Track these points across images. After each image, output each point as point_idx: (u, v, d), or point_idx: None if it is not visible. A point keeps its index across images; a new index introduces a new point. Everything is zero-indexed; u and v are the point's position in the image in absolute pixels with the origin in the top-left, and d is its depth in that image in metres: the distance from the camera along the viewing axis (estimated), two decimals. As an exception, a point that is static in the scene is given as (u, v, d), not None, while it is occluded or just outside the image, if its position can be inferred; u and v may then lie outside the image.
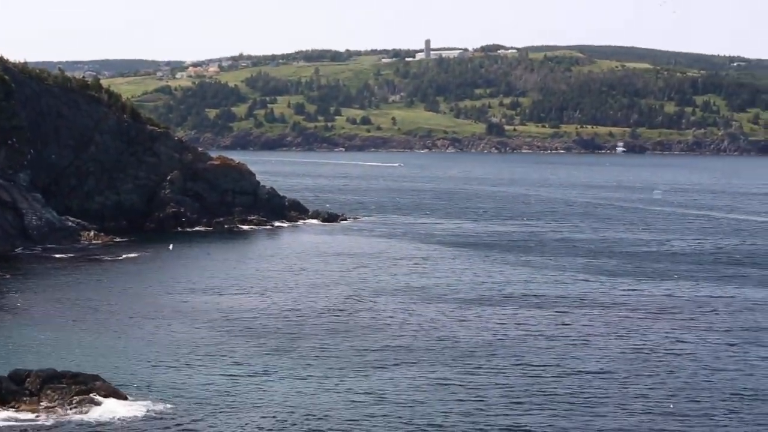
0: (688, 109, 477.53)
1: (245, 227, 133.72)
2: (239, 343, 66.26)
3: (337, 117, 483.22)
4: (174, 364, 60.49)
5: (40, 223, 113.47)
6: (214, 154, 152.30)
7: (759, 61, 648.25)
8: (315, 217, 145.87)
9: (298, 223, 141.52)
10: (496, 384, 56.89)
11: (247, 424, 49.63)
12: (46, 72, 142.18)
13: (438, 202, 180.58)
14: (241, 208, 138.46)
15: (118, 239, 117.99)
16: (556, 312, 77.63)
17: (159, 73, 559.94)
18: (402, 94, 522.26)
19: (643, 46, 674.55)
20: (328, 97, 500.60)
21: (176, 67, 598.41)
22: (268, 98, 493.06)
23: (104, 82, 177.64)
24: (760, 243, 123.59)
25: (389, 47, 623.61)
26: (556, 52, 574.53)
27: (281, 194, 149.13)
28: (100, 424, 49.45)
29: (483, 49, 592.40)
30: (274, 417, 50.62)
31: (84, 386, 52.67)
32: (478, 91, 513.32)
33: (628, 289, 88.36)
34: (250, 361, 61.46)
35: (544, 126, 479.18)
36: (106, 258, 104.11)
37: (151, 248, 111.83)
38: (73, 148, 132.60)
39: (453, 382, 57.20)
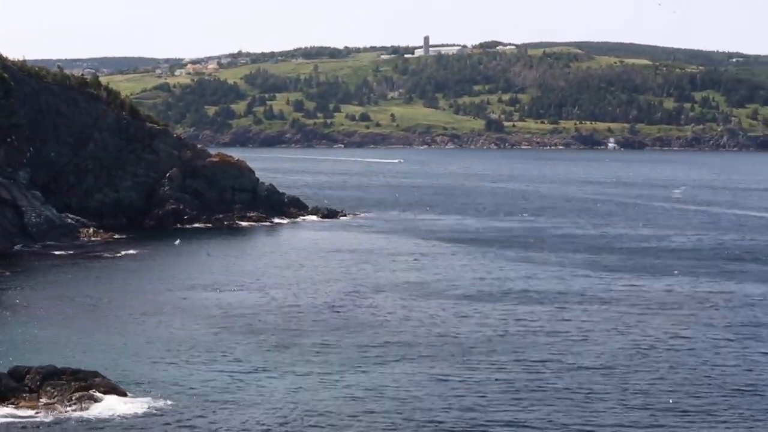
0: (687, 105, 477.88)
1: (244, 224, 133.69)
2: (239, 339, 66.24)
3: (336, 114, 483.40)
4: (174, 361, 60.48)
5: (39, 220, 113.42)
6: (213, 151, 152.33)
7: (757, 56, 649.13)
8: (314, 213, 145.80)
9: (298, 219, 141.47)
10: (496, 380, 56.89)
11: (247, 420, 49.62)
12: (45, 70, 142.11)
13: (437, 199, 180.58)
14: (241, 205, 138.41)
15: (117, 236, 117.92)
16: (556, 308, 77.62)
17: (158, 71, 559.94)
18: (401, 90, 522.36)
19: (642, 43, 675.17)
20: (327, 94, 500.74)
21: (175, 64, 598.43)
22: (267, 95, 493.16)
23: (103, 80, 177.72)
24: (759, 238, 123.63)
25: (388, 44, 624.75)
26: (554, 49, 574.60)
27: (281, 191, 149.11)
28: (99, 420, 49.42)
29: (482, 45, 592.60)
30: (274, 413, 50.61)
31: (84, 383, 52.64)
32: (477, 88, 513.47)
33: (628, 285, 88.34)
34: (250, 357, 61.45)
35: (543, 122, 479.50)
36: (105, 255, 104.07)
37: (150, 245, 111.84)
38: (72, 145, 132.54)
39: (453, 377, 57.20)
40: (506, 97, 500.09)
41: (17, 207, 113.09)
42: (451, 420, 49.83)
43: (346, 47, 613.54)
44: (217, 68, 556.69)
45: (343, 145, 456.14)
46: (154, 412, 50.67)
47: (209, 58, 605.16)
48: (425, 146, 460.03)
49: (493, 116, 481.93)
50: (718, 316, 74.88)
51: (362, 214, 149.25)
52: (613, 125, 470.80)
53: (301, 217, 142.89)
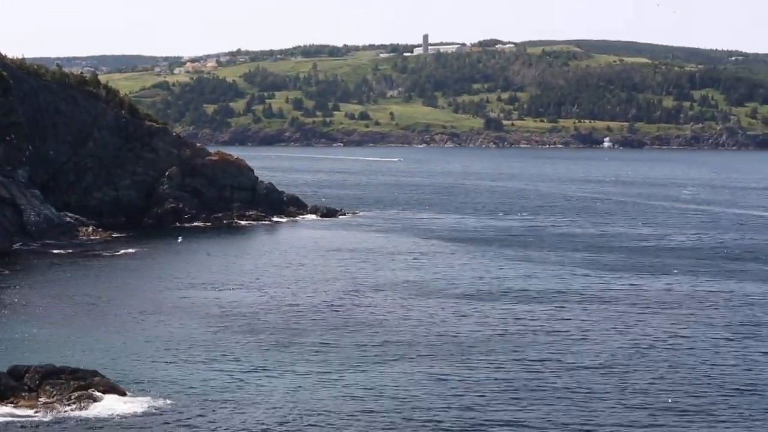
0: (686, 104, 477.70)
1: (244, 223, 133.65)
2: (238, 338, 66.22)
3: (335, 112, 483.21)
4: (173, 360, 60.45)
5: (38, 219, 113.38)
6: (212, 150, 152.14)
7: (756, 55, 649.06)
8: (314, 212, 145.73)
9: (297, 218, 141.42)
10: (495, 379, 56.89)
11: (247, 419, 49.60)
12: (43, 68, 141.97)
13: (436, 197, 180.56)
14: (240, 203, 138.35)
15: (116, 235, 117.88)
16: (555, 307, 77.61)
17: (157, 69, 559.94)
18: (400, 89, 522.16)
19: (641, 41, 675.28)
20: (326, 93, 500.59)
21: (174, 62, 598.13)
22: (266, 93, 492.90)
23: (102, 78, 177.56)
24: (759, 237, 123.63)
25: (387, 42, 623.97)
26: (554, 47, 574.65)
27: (280, 189, 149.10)
28: (99, 419, 49.39)
29: (481, 43, 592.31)
30: (273, 412, 50.59)
31: (83, 382, 52.62)
32: (476, 86, 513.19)
33: (628, 284, 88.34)
34: (249, 356, 61.43)
35: (542, 121, 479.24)
36: (104, 254, 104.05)
37: (149, 244, 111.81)
38: (71, 144, 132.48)
39: (452, 377, 57.19)
40: (505, 95, 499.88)
41: (16, 205, 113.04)
42: (451, 419, 49.82)
43: (345, 45, 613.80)
44: (216, 66, 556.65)
45: (342, 144, 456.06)
46: (154, 411, 50.66)
47: (208, 57, 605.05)
48: (424, 145, 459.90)
49: (492, 115, 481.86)
50: (717, 316, 74.87)
51: (361, 213, 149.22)
52: (612, 124, 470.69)
53: (300, 216, 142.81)
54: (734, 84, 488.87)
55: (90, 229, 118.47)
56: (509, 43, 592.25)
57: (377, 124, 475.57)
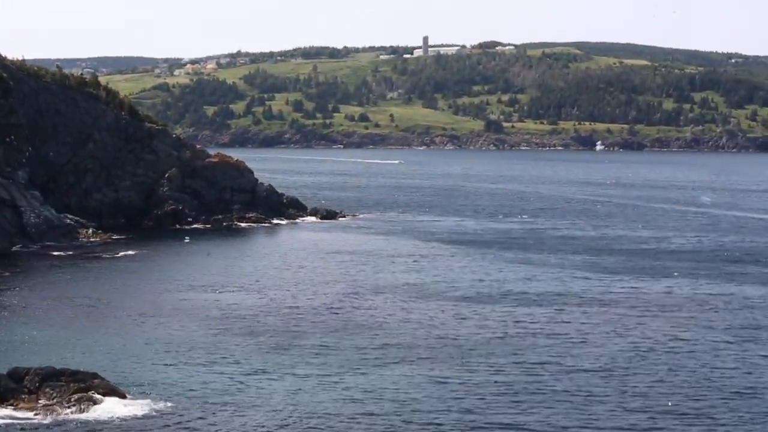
0: (686, 106, 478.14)
1: (243, 225, 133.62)
2: (238, 341, 66.17)
3: (335, 114, 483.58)
4: (173, 362, 60.40)
5: (38, 220, 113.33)
6: (212, 152, 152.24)
7: (756, 57, 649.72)
8: (313, 214, 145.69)
9: (297, 220, 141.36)
10: (495, 382, 56.84)
11: (247, 422, 49.57)
12: (43, 69, 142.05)
13: (436, 200, 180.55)
14: (240, 205, 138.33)
15: (116, 237, 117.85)
16: (555, 310, 77.57)
17: (157, 71, 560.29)
18: (400, 90, 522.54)
19: (641, 43, 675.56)
20: (326, 94, 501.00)
21: (174, 64, 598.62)
22: (266, 95, 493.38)
23: (102, 80, 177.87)
24: (759, 240, 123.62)
25: (387, 44, 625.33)
26: (553, 49, 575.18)
27: (279, 191, 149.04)
28: (99, 422, 49.34)
29: (481, 45, 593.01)
30: (273, 415, 50.57)
31: (83, 384, 52.55)
32: (476, 88, 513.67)
33: (628, 287, 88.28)
34: (249, 359, 61.39)
35: (542, 123, 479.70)
36: (104, 255, 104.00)
37: (149, 246, 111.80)
38: (72, 145, 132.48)
39: (452, 379, 57.15)
40: (505, 97, 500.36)
41: (16, 207, 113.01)
42: (450, 422, 49.78)
43: (345, 47, 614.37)
44: (216, 68, 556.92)
45: (342, 146, 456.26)
46: (154, 414, 50.61)
47: (208, 58, 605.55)
48: (424, 147, 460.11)
49: (492, 117, 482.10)
50: (717, 319, 74.81)
51: (361, 215, 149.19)
52: (612, 126, 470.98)
53: (300, 218, 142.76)
54: (734, 86, 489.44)
55: (90, 230, 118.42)
56: (509, 45, 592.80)
57: (377, 126, 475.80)
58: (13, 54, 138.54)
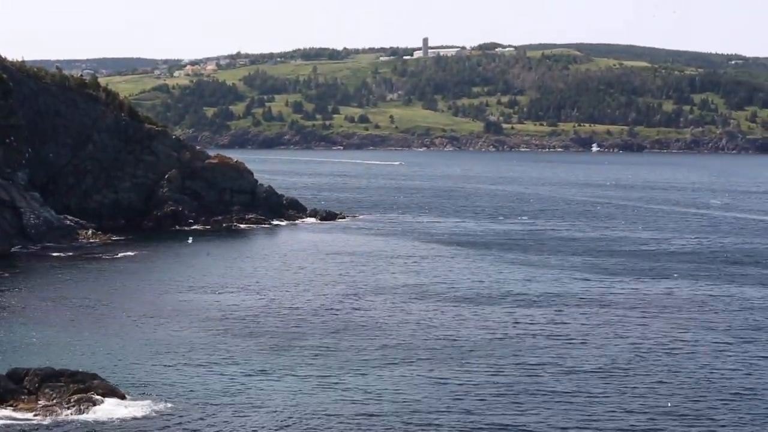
0: (686, 108, 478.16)
1: (243, 226, 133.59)
2: (238, 342, 66.15)
3: (335, 115, 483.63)
4: (173, 363, 60.37)
5: (38, 221, 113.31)
6: (212, 153, 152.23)
7: (756, 59, 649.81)
8: (313, 215, 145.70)
9: (297, 221, 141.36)
10: (495, 383, 56.81)
11: (247, 423, 49.55)
12: (43, 70, 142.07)
13: (436, 201, 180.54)
14: (239, 206, 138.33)
15: (115, 238, 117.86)
16: (555, 311, 77.55)
17: (157, 72, 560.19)
18: (400, 92, 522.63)
19: (641, 45, 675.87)
20: (326, 96, 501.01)
21: (174, 65, 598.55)
22: (266, 97, 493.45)
23: (102, 81, 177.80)
24: (759, 241, 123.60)
25: (387, 45, 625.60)
26: (553, 51, 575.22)
27: (279, 193, 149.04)
28: (98, 423, 49.32)
29: (481, 47, 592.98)
30: (274, 416, 50.55)
31: (82, 385, 52.55)
32: (475, 90, 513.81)
33: (628, 288, 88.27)
34: (249, 360, 61.37)
35: (541, 124, 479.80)
36: (104, 257, 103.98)
37: (149, 247, 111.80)
38: (71, 146, 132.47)
39: (452, 380, 57.12)
40: (505, 99, 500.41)
41: (16, 208, 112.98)
42: (450, 423, 49.76)
43: (345, 49, 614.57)
44: (216, 69, 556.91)
45: (342, 147, 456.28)
46: (154, 415, 50.58)
47: (208, 59, 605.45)
48: (424, 148, 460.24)
49: (492, 118, 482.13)
50: (717, 320, 74.80)
51: (361, 217, 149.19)
52: (611, 127, 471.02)
53: (300, 219, 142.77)
54: (734, 88, 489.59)
55: (89, 232, 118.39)
56: (509, 46, 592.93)
57: (377, 127, 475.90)
58: (12, 55, 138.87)
